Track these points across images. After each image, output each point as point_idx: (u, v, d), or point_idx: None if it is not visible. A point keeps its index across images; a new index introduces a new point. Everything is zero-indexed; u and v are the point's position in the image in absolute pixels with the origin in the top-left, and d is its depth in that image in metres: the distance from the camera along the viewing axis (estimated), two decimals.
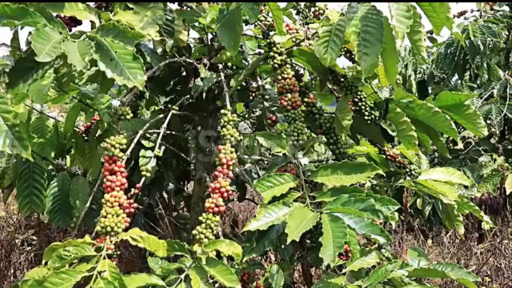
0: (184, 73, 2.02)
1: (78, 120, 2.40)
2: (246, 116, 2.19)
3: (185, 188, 2.48)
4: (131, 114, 1.46)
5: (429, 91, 4.91)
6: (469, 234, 3.59)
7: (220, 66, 1.77)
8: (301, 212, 1.29)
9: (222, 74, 1.69)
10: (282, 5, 1.76)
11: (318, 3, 1.78)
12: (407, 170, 1.78)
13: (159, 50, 1.60)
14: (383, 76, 1.75)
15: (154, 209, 2.31)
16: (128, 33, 1.12)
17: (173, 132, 1.83)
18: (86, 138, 2.19)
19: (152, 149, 1.71)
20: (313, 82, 1.97)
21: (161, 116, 1.70)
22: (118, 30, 1.12)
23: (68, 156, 2.22)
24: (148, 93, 2.04)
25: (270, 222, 1.29)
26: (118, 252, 1.28)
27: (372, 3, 1.27)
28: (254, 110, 2.08)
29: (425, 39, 1.34)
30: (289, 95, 1.53)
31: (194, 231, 1.29)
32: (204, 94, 1.85)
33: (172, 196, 2.41)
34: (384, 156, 1.80)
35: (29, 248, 3.28)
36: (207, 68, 1.75)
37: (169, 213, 2.39)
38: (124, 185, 1.34)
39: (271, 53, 1.58)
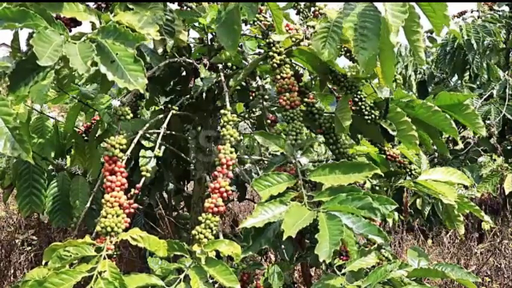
0: (184, 73, 2.02)
1: (78, 120, 2.41)
2: (246, 116, 2.19)
3: (185, 188, 2.49)
4: (131, 115, 1.46)
5: (430, 91, 4.91)
6: (469, 234, 3.59)
7: (220, 66, 1.77)
8: (298, 210, 1.29)
9: (221, 74, 1.69)
10: (282, 4, 1.76)
11: (317, 3, 1.79)
12: (407, 170, 1.78)
13: (159, 50, 1.60)
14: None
15: (154, 209, 2.31)
16: (129, 35, 1.12)
17: (173, 132, 1.84)
18: (86, 138, 2.19)
19: (152, 149, 1.72)
20: (313, 82, 1.97)
21: (161, 116, 1.70)
22: (119, 33, 1.12)
23: (68, 156, 2.23)
24: (148, 93, 2.04)
25: (266, 219, 1.28)
26: (118, 253, 1.29)
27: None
28: (254, 110, 2.09)
29: (424, 40, 1.34)
30: (287, 95, 1.53)
31: (193, 231, 1.29)
32: (204, 94, 1.85)
33: (172, 196, 2.42)
34: (384, 156, 1.80)
35: (29, 248, 3.29)
36: (206, 68, 1.75)
37: (169, 213, 2.40)
38: (124, 185, 1.34)
39: (271, 53, 1.58)
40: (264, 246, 1.36)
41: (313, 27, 1.61)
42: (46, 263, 1.18)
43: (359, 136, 1.84)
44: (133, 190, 1.41)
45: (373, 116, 1.66)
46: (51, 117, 2.19)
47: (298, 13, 1.86)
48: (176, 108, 1.69)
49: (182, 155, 1.94)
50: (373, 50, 1.23)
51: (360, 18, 1.24)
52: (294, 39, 1.63)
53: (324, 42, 1.36)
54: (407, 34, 1.29)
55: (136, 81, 1.09)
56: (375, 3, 1.27)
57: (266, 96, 1.70)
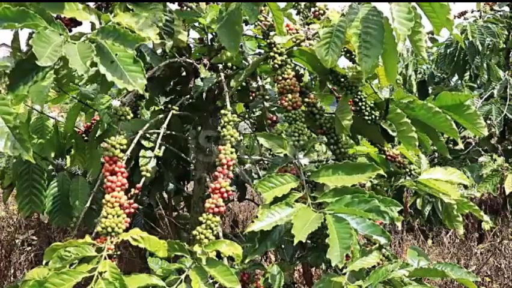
0: (184, 73, 2.02)
1: (78, 120, 2.40)
2: (246, 116, 2.19)
3: (185, 188, 2.48)
4: (132, 115, 1.46)
5: (430, 91, 4.91)
6: (469, 234, 3.59)
7: (220, 66, 1.77)
8: (304, 212, 1.28)
9: (222, 74, 1.69)
10: (282, 5, 1.76)
11: (318, 4, 1.78)
12: (407, 170, 1.78)
13: (159, 51, 1.59)
14: (383, 76, 1.75)
15: (154, 209, 2.31)
16: (128, 36, 1.12)
17: (174, 133, 1.83)
18: (86, 138, 2.19)
19: (152, 149, 1.71)
20: (313, 82, 1.97)
21: (161, 116, 1.70)
22: (119, 33, 1.12)
23: (68, 156, 2.22)
24: (148, 93, 2.03)
25: (273, 222, 1.28)
26: (119, 253, 1.28)
27: (373, 4, 1.27)
28: (254, 110, 2.09)
29: (426, 41, 1.34)
30: (289, 96, 1.53)
31: (194, 232, 1.29)
32: (204, 94, 1.85)
33: (172, 196, 2.41)
34: (384, 156, 1.80)
35: (29, 248, 3.29)
36: (207, 68, 1.75)
37: (169, 213, 2.40)
38: (124, 185, 1.34)
39: (272, 53, 1.58)
40: (270, 248, 1.36)
41: (314, 29, 1.60)
42: (47, 263, 1.18)
43: (359, 136, 1.84)
44: (133, 190, 1.41)
45: (373, 116, 1.66)
46: (51, 117, 2.18)
47: (298, 13, 1.85)
48: (177, 108, 1.69)
49: (183, 155, 1.94)
50: (376, 57, 1.24)
51: (364, 24, 1.24)
52: (295, 39, 1.63)
53: (327, 49, 1.35)
54: (410, 34, 1.29)
55: (135, 81, 1.09)
56: (376, 4, 1.27)
57: (267, 97, 1.70)
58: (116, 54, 1.09)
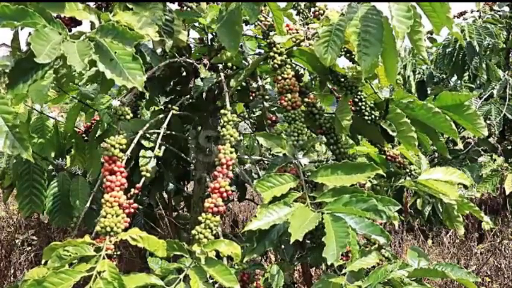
0: (184, 73, 2.02)
1: (78, 120, 2.40)
2: (246, 116, 2.19)
3: (185, 188, 2.48)
4: (131, 115, 1.46)
5: (429, 91, 4.91)
6: (469, 234, 3.59)
7: (220, 66, 1.77)
8: (302, 212, 1.28)
9: (222, 74, 1.69)
10: (282, 5, 1.76)
11: (318, 4, 1.78)
12: (407, 170, 1.78)
13: (159, 50, 1.59)
14: (383, 76, 1.75)
15: (154, 209, 2.31)
16: (127, 34, 1.12)
17: (174, 133, 1.83)
18: (86, 138, 2.19)
19: (152, 149, 1.71)
20: (313, 82, 1.97)
21: (161, 116, 1.70)
22: (117, 31, 1.12)
23: (68, 156, 2.22)
24: (148, 93, 2.04)
25: (271, 221, 1.28)
26: (118, 253, 1.28)
27: (372, 3, 1.27)
28: (254, 110, 2.09)
29: (425, 40, 1.34)
30: (289, 95, 1.53)
31: (193, 231, 1.29)
32: (204, 94, 1.85)
33: (172, 196, 2.41)
34: (384, 157, 1.80)
35: (29, 248, 3.29)
36: (207, 68, 1.75)
37: (169, 213, 2.40)
38: (123, 185, 1.33)
39: (271, 53, 1.58)
40: (268, 248, 1.36)
41: (314, 28, 1.60)
42: (46, 263, 1.18)
43: (359, 136, 1.84)
44: (132, 190, 1.41)
45: (373, 116, 1.66)
46: (51, 117, 2.18)
47: (298, 13, 1.85)
48: (177, 108, 1.69)
49: (182, 155, 1.94)
50: (376, 56, 1.24)
51: (363, 22, 1.24)
52: (295, 39, 1.63)
53: (326, 48, 1.35)
54: (410, 34, 1.29)
55: (135, 79, 1.09)
56: (376, 4, 1.27)
57: (266, 97, 1.70)
58: (115, 52, 1.09)
